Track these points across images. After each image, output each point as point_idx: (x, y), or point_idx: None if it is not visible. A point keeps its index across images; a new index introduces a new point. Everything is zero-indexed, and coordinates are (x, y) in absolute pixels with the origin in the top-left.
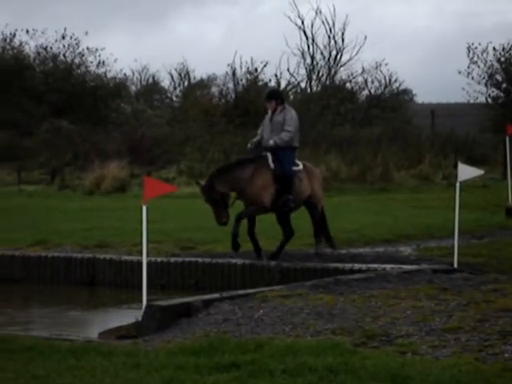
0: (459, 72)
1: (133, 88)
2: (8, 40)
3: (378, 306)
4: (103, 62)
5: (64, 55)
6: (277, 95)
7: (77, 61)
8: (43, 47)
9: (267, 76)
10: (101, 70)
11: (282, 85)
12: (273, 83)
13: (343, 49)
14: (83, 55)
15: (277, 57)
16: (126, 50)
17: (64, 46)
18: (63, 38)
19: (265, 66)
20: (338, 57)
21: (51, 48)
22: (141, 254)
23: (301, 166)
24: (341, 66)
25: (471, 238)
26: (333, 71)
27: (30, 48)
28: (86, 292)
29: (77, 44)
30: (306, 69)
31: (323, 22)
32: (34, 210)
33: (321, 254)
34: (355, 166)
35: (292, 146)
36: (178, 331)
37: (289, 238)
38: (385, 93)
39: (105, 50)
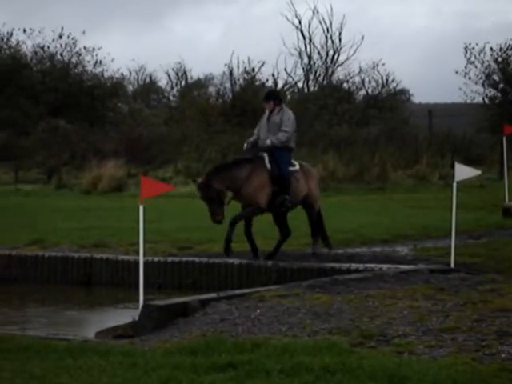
0: (456, 72)
1: (130, 87)
2: (5, 39)
3: (374, 306)
4: (100, 61)
5: (61, 54)
6: (275, 96)
7: (74, 60)
8: (40, 46)
9: (264, 76)
10: (98, 70)
11: (280, 85)
12: (270, 83)
13: (340, 49)
14: (80, 55)
15: (274, 57)
16: (123, 50)
17: (61, 45)
18: (60, 37)
19: (262, 65)
20: (335, 57)
21: (48, 47)
22: (138, 253)
23: (297, 166)
24: (338, 66)
25: (468, 238)
26: (330, 71)
27: (27, 47)
28: (82, 291)
29: (74, 43)
30: (303, 69)
31: (320, 22)
32: (31, 210)
33: (318, 254)
34: (352, 165)
35: (288, 147)
36: (175, 331)
37: (285, 237)
38: (382, 93)
39: (102, 50)
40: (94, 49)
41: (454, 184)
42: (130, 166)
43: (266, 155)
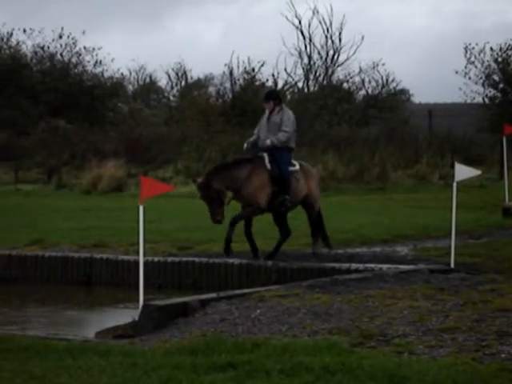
0: (456, 72)
1: (130, 87)
2: (5, 39)
3: (374, 306)
4: (100, 61)
5: (61, 54)
6: (275, 96)
7: (74, 60)
8: (40, 46)
9: (264, 76)
10: (98, 70)
11: (280, 85)
12: (270, 83)
13: (340, 49)
14: (80, 54)
15: (274, 57)
16: (123, 50)
17: (61, 45)
18: (60, 37)
19: (262, 65)
20: (336, 57)
21: (48, 47)
22: (138, 253)
23: (297, 166)
24: (338, 66)
25: (468, 238)
26: (330, 71)
27: (27, 47)
28: (82, 291)
29: (74, 43)
30: (303, 69)
31: (320, 22)
32: (31, 210)
33: (318, 254)
34: (352, 165)
35: (288, 147)
36: (175, 331)
37: (285, 237)
38: (382, 93)
39: (102, 50)
40: (94, 49)
41: (454, 184)
42: (130, 166)
43: (265, 155)
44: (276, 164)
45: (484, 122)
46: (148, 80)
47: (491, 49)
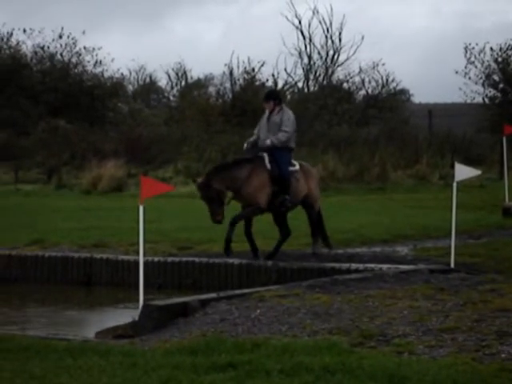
0: (456, 72)
1: (130, 87)
2: (5, 39)
3: (374, 306)
4: (100, 61)
5: (61, 54)
6: (275, 96)
7: (74, 60)
8: (40, 46)
9: (264, 76)
10: (98, 70)
11: (280, 85)
12: (270, 83)
13: (340, 49)
14: (80, 54)
15: (274, 57)
16: (123, 50)
17: (61, 45)
18: (60, 37)
19: (262, 65)
20: (335, 57)
21: (48, 47)
22: (138, 253)
23: (297, 166)
24: (338, 66)
25: (468, 238)
26: (330, 71)
27: (27, 47)
28: (82, 291)
29: (74, 43)
30: (303, 69)
31: (320, 22)
32: (31, 210)
33: (318, 254)
34: (352, 165)
35: (288, 147)
36: (175, 331)
37: (285, 238)
38: (382, 93)
39: (102, 50)
40: (93, 49)
41: (454, 184)
42: (130, 166)
43: (265, 155)
44: (276, 164)
45: (484, 122)
46: (148, 80)
47: (491, 49)
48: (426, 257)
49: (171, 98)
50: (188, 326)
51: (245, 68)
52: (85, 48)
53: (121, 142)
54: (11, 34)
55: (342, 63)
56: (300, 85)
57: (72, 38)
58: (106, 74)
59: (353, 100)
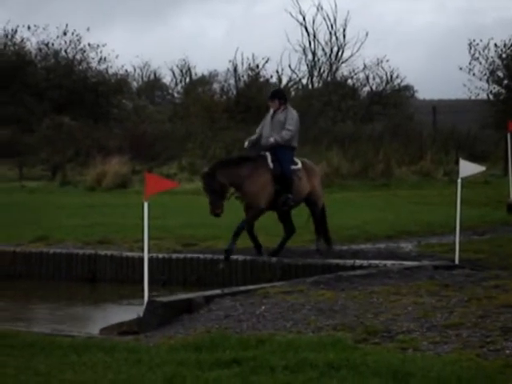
0: (460, 68)
1: (134, 84)
2: (10, 36)
3: (379, 303)
4: (105, 58)
5: (65, 51)
6: (280, 95)
7: (78, 57)
8: (45, 43)
9: (268, 72)
10: (102, 66)
11: (284, 81)
12: (274, 79)
13: (345, 45)
14: (85, 51)
15: (278, 53)
16: (127, 46)
17: (65, 42)
18: (65, 34)
19: (266, 62)
20: (340, 53)
21: (53, 44)
22: (142, 250)
23: (300, 165)
24: (342, 63)
25: (472, 235)
26: (334, 67)
27: (32, 44)
28: (87, 288)
29: (78, 40)
30: (307, 65)
31: (324, 19)
32: (36, 206)
33: (322, 251)
34: (357, 162)
35: (291, 146)
36: (180, 327)
37: (290, 235)
38: (386, 89)
39: (106, 46)
40: (98, 45)
41: (459, 180)
42: (135, 163)
43: (268, 154)
44: (278, 163)
45: (488, 119)
46: (152, 77)
47: (495, 45)
48: (430, 253)
49: (175, 94)
50: (192, 322)
51: (249, 64)
52: (89, 45)
53: (125, 138)
54: (16, 30)
55: (347, 60)
56: (304, 81)
57: (76, 35)
58: (111, 71)
59: (357, 96)
